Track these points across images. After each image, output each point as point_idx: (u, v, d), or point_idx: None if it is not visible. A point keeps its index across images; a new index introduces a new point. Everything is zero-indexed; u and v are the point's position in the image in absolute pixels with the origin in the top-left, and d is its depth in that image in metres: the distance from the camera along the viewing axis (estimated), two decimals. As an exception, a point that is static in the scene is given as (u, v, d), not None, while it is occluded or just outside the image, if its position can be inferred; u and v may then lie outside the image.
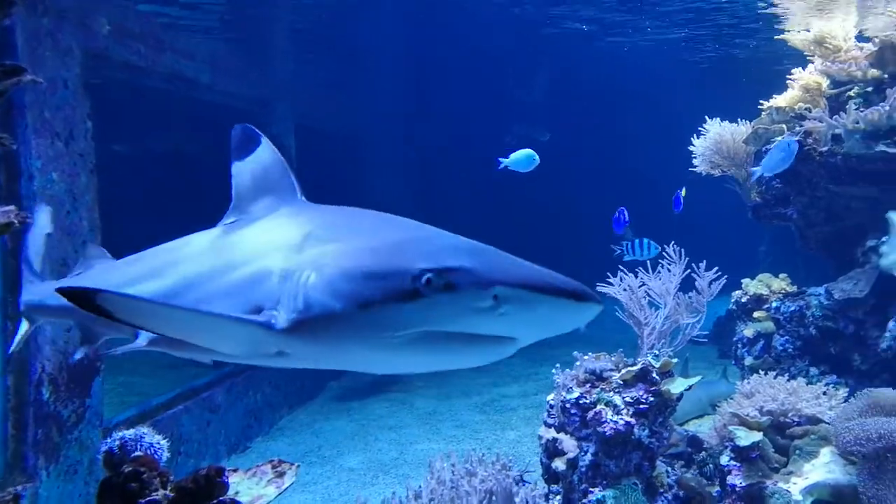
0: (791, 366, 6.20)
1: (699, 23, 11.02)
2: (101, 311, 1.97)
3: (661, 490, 4.06)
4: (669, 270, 4.59)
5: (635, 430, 3.95)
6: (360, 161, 13.16)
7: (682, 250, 4.65)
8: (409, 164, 14.66)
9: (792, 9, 9.28)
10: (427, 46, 11.90)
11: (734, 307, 7.23)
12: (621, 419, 3.94)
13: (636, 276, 4.48)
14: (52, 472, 5.16)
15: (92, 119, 5.65)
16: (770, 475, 3.89)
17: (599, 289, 4.37)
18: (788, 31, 7.09)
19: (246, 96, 9.12)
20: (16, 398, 5.04)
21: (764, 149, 6.74)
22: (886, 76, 6.13)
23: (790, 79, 6.78)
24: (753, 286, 7.01)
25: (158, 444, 2.69)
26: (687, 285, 4.58)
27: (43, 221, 4.03)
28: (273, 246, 2.40)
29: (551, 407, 4.41)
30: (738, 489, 3.87)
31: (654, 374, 4.10)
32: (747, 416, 4.12)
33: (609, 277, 4.50)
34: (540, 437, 4.45)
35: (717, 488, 4.10)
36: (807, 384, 4.43)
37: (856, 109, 5.79)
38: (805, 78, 6.64)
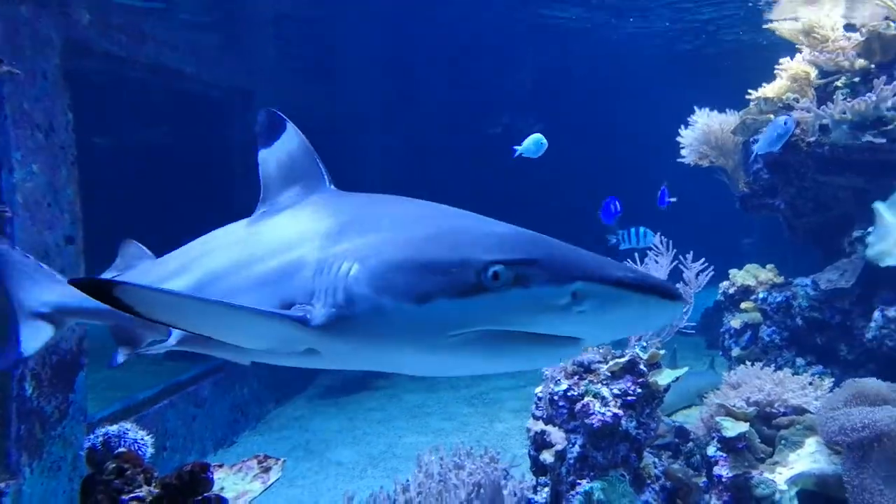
0: (778, 356, 6.23)
1: (687, 12, 11.01)
2: (121, 304, 1.79)
3: (649, 481, 4.06)
4: (657, 262, 4.58)
5: (623, 421, 3.95)
6: (345, 151, 13.08)
7: (670, 242, 4.64)
8: (393, 154, 14.59)
9: (780, -1, 9.30)
10: (413, 36, 11.82)
11: (722, 298, 7.25)
12: (609, 411, 3.94)
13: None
14: (35, 469, 5.10)
15: (72, 110, 5.56)
16: (756, 465, 3.90)
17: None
18: (777, 20, 7.07)
19: (227, 86, 9.01)
20: (-2, 394, 4.98)
21: (752, 139, 6.75)
22: (873, 66, 6.13)
23: (778, 68, 6.78)
24: (741, 277, 7.03)
25: (142, 439, 2.65)
26: (674, 277, 4.57)
27: None
28: (304, 236, 2.23)
29: (539, 399, 4.40)
30: (724, 480, 3.88)
31: (642, 366, 4.10)
32: (734, 406, 4.13)
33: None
34: (528, 430, 4.44)
35: (704, 479, 4.11)
36: (793, 375, 4.44)
37: (843, 100, 5.80)
38: (793, 67, 6.63)
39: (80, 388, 5.52)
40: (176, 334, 2.68)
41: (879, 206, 5.67)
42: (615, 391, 4.01)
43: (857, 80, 6.17)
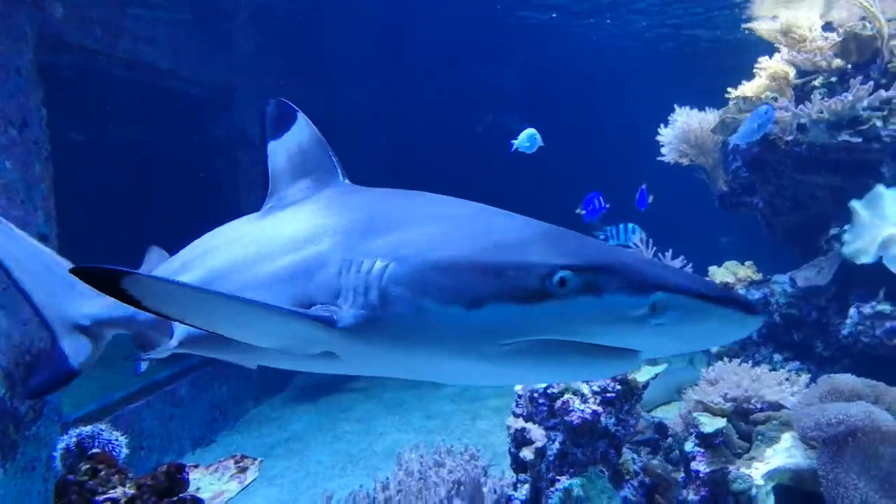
0: (756, 352, 6.29)
1: (667, 14, 11.09)
2: (128, 297, 1.65)
3: (628, 477, 4.08)
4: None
5: (602, 418, 3.96)
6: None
7: (650, 240, 4.67)
8: (379, 152, 14.54)
9: (758, -1, 9.39)
10: (397, 34, 11.79)
11: (701, 295, 7.28)
12: (588, 408, 3.95)
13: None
14: (9, 470, 5.01)
15: (46, 106, 5.47)
16: (733, 461, 3.94)
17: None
18: (755, 20, 7.15)
19: (207, 83, 8.92)
20: (-30, 395, 4.89)
21: (732, 138, 6.80)
22: (850, 66, 6.21)
23: (758, 67, 6.84)
24: (720, 274, 7.09)
25: (116, 440, 2.62)
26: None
27: None
28: (323, 232, 2.09)
29: (520, 397, 4.41)
30: (701, 475, 3.91)
31: (621, 363, 4.12)
32: (711, 402, 4.16)
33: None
34: (508, 427, 4.45)
35: (683, 474, 4.14)
36: (770, 370, 4.48)
37: (820, 99, 5.86)
38: (772, 67, 6.70)
39: (54, 388, 5.43)
40: (177, 336, 2.57)
41: (856, 205, 5.74)
42: (595, 388, 4.03)
43: (834, 79, 6.25)
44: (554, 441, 4.08)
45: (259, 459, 2.88)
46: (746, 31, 7.23)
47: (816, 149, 5.99)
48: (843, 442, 3.61)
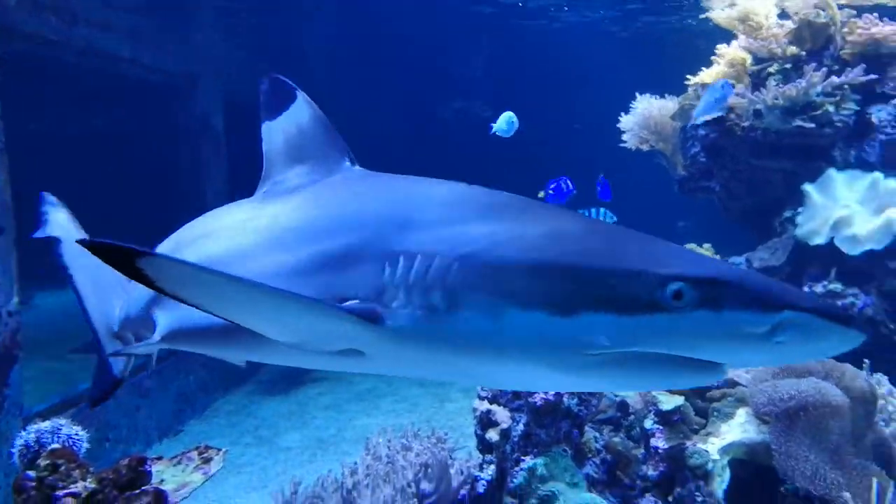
0: (713, 331, 6.44)
1: (626, 0, 11.19)
2: (143, 277, 1.50)
3: (590, 455, 4.20)
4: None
5: (564, 399, 4.07)
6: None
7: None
8: (344, 138, 14.45)
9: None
10: (364, 22, 11.70)
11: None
12: (551, 389, 4.05)
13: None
14: (-30, 466, 4.95)
15: (2, 97, 5.34)
16: (690, 436, 4.07)
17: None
18: (714, 8, 7.26)
19: (169, 71, 8.77)
20: (-73, 390, 4.80)
21: (689, 125, 6.93)
22: (804, 53, 6.35)
23: (717, 54, 6.96)
24: (680, 257, 7.24)
25: (77, 434, 2.61)
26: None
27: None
28: (349, 221, 1.93)
29: (485, 380, 4.49)
30: (660, 451, 4.04)
31: (583, 345, 4.21)
32: (670, 382, 4.29)
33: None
34: (475, 410, 4.52)
35: (643, 451, 4.27)
36: (726, 350, 4.62)
37: (775, 86, 6.00)
38: (730, 53, 6.82)
39: (14, 382, 5.35)
40: (160, 331, 2.47)
41: (808, 188, 5.92)
42: (557, 370, 4.12)
43: (788, 66, 6.39)
44: (518, 422, 4.17)
45: (224, 450, 2.89)
46: (704, 18, 7.33)
47: (771, 134, 6.13)
48: (794, 416, 3.76)
